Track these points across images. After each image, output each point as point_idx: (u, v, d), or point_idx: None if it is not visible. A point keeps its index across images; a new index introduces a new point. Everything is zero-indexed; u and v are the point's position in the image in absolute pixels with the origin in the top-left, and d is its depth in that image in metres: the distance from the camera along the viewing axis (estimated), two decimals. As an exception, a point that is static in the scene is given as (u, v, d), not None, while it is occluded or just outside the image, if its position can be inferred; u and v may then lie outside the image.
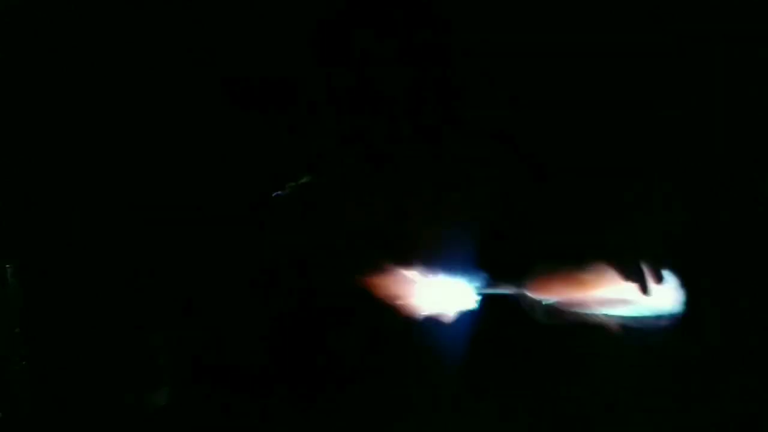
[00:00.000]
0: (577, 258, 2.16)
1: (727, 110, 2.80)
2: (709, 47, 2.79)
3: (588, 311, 2.15)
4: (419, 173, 2.55)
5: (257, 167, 2.89)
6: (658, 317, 2.18)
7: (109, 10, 2.96)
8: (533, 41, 2.87)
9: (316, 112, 2.78)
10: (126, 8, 2.96)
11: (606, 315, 2.17)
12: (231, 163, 2.95)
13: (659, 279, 2.07)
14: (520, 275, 2.18)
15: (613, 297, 2.12)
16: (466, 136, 2.63)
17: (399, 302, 2.38)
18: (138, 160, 2.98)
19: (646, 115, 2.83)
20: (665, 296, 2.12)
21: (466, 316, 2.30)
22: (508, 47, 2.86)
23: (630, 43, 2.83)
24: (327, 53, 2.56)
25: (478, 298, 2.21)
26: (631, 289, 2.07)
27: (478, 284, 2.23)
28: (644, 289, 2.05)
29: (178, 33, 2.98)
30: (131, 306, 2.93)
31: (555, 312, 2.17)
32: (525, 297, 2.16)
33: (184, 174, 2.96)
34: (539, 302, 2.17)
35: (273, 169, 2.84)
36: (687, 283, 2.21)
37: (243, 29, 2.97)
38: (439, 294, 2.31)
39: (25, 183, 2.95)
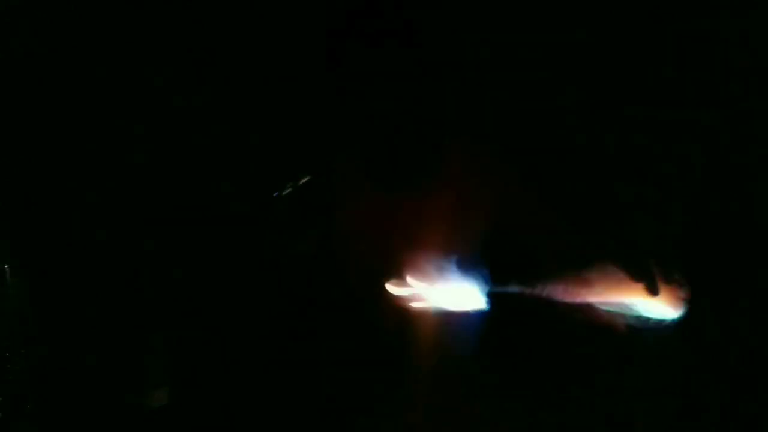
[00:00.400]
0: (581, 259, 2.17)
1: (727, 110, 2.80)
2: (709, 47, 2.79)
3: (592, 311, 2.16)
4: (420, 173, 2.56)
5: (258, 167, 2.89)
6: (660, 317, 2.19)
7: (109, 11, 2.96)
8: (534, 41, 2.87)
9: (317, 113, 2.78)
10: (126, 8, 2.95)
11: (610, 315, 2.18)
12: (231, 164, 2.95)
13: (661, 280, 2.08)
14: (525, 276, 2.19)
15: (617, 298, 2.13)
16: (467, 136, 2.64)
17: (401, 302, 2.39)
18: (138, 160, 2.98)
19: (646, 116, 2.83)
20: (667, 297, 2.13)
21: (470, 316, 2.32)
22: (508, 47, 2.86)
23: (630, 43, 2.83)
24: (328, 54, 2.57)
25: (485, 298, 2.22)
26: (634, 289, 2.08)
27: (483, 284, 2.24)
28: (648, 290, 2.07)
29: (178, 33, 2.97)
30: (131, 306, 2.93)
31: (560, 312, 2.19)
32: (530, 297, 2.18)
33: (184, 174, 2.96)
34: (545, 302, 2.18)
35: (273, 169, 2.85)
36: (687, 283, 2.22)
37: (243, 30, 2.97)
38: (444, 294, 2.32)
39: (25, 183, 2.95)
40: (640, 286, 2.07)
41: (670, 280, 2.17)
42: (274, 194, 2.56)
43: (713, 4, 2.75)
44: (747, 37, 2.75)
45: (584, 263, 2.16)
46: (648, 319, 2.25)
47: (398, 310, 2.51)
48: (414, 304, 2.40)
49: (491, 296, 2.23)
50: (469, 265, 2.31)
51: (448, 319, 2.41)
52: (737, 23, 2.75)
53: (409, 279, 2.52)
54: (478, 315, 2.29)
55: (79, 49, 2.96)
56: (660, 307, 2.21)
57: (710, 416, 2.64)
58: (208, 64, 2.97)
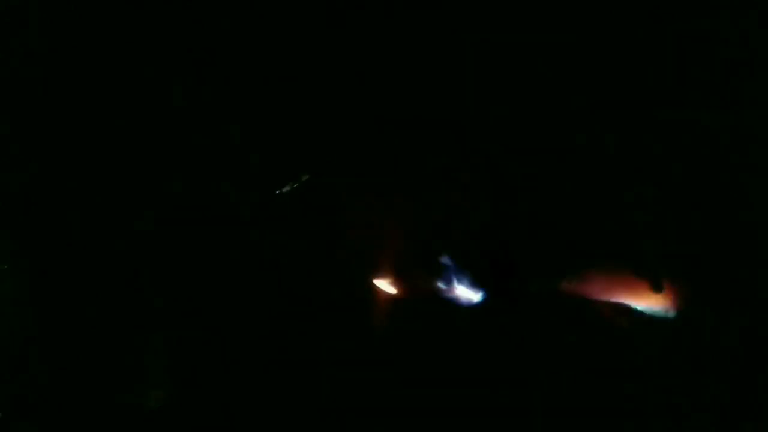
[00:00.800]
0: (582, 259, 2.18)
1: (727, 110, 2.81)
2: (709, 47, 2.80)
3: (593, 310, 2.16)
4: (420, 173, 2.56)
5: (258, 167, 2.89)
6: (660, 317, 2.19)
7: (110, 11, 2.96)
8: (534, 41, 2.88)
9: (318, 113, 2.78)
10: (126, 8, 2.95)
11: (610, 314, 2.19)
12: (231, 164, 2.95)
13: (661, 279, 2.09)
14: (525, 275, 2.19)
15: (617, 297, 2.14)
16: (467, 136, 2.64)
17: (400, 302, 2.39)
18: (138, 160, 2.98)
19: (646, 116, 2.83)
20: (667, 297, 2.13)
21: (470, 315, 2.32)
22: (508, 47, 2.86)
23: (630, 43, 2.84)
24: (328, 53, 2.57)
25: (485, 297, 2.23)
26: (634, 289, 2.09)
27: (483, 284, 2.25)
28: (649, 289, 2.07)
29: (178, 33, 2.97)
30: (131, 306, 2.92)
31: (561, 311, 2.19)
32: (531, 296, 2.18)
33: (184, 174, 2.96)
34: (546, 301, 2.19)
35: (274, 169, 2.85)
36: (687, 283, 2.22)
37: (243, 30, 2.97)
38: (445, 293, 2.33)
39: (25, 183, 2.95)
40: (640, 286, 2.07)
41: (669, 280, 2.17)
42: (275, 194, 2.56)
43: (713, 4, 2.76)
44: (747, 37, 2.76)
45: (585, 263, 2.16)
46: (648, 319, 2.26)
47: (397, 309, 2.52)
48: (413, 304, 2.40)
49: (491, 295, 2.23)
50: (470, 264, 2.32)
51: (448, 318, 2.41)
52: (737, 23, 2.76)
53: (408, 279, 2.52)
54: (478, 313, 2.30)
55: (79, 49, 2.96)
56: (660, 307, 2.22)
57: (710, 416, 2.64)
58: (208, 64, 2.97)
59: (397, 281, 2.54)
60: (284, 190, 2.68)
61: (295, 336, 2.73)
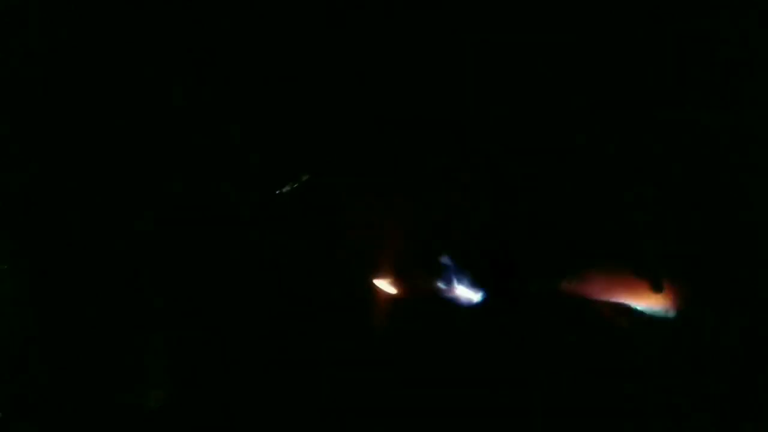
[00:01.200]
0: (582, 259, 2.18)
1: (727, 111, 2.81)
2: (709, 47, 2.80)
3: (593, 310, 2.17)
4: (419, 173, 2.56)
5: (258, 167, 2.89)
6: (660, 317, 2.20)
7: (110, 11, 2.96)
8: (534, 41, 2.88)
9: (318, 113, 2.78)
10: (126, 8, 2.96)
11: (611, 314, 2.19)
12: (232, 164, 2.95)
13: (661, 279, 2.09)
14: (526, 275, 2.20)
15: (618, 297, 2.14)
16: (468, 136, 2.65)
17: (400, 302, 2.39)
18: (138, 160, 2.98)
19: (646, 116, 2.84)
20: (667, 297, 2.14)
21: (470, 314, 2.32)
22: (508, 47, 2.87)
23: (630, 44, 2.84)
24: (328, 53, 2.57)
25: (485, 297, 2.23)
26: (634, 289, 2.09)
27: (483, 284, 2.25)
28: (650, 289, 2.08)
29: (178, 33, 2.97)
30: (131, 306, 2.93)
31: (561, 311, 2.19)
32: (531, 296, 2.18)
33: (184, 175, 2.96)
34: (546, 301, 2.19)
35: (274, 169, 2.85)
36: (687, 283, 2.22)
37: (243, 30, 2.97)
38: (445, 293, 2.33)
39: (25, 183, 2.95)
40: (641, 286, 2.07)
41: (669, 280, 2.17)
42: (275, 193, 2.56)
43: (713, 4, 2.76)
44: (747, 37, 2.76)
45: (585, 263, 2.16)
46: (648, 319, 2.26)
47: (397, 309, 2.52)
48: (413, 304, 2.40)
49: (491, 295, 2.24)
50: (470, 264, 2.32)
51: (448, 318, 2.41)
52: (737, 23, 2.76)
53: (408, 279, 2.52)
54: (478, 313, 2.30)
55: (79, 49, 2.96)
56: (660, 307, 2.22)
57: (710, 416, 2.64)
58: (208, 64, 2.97)
59: (397, 281, 2.54)
60: (284, 190, 2.68)
61: (295, 336, 2.73)
